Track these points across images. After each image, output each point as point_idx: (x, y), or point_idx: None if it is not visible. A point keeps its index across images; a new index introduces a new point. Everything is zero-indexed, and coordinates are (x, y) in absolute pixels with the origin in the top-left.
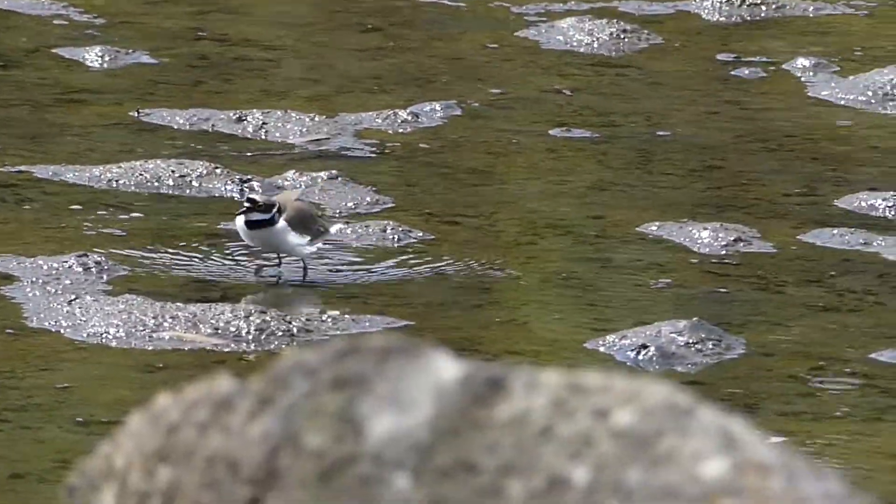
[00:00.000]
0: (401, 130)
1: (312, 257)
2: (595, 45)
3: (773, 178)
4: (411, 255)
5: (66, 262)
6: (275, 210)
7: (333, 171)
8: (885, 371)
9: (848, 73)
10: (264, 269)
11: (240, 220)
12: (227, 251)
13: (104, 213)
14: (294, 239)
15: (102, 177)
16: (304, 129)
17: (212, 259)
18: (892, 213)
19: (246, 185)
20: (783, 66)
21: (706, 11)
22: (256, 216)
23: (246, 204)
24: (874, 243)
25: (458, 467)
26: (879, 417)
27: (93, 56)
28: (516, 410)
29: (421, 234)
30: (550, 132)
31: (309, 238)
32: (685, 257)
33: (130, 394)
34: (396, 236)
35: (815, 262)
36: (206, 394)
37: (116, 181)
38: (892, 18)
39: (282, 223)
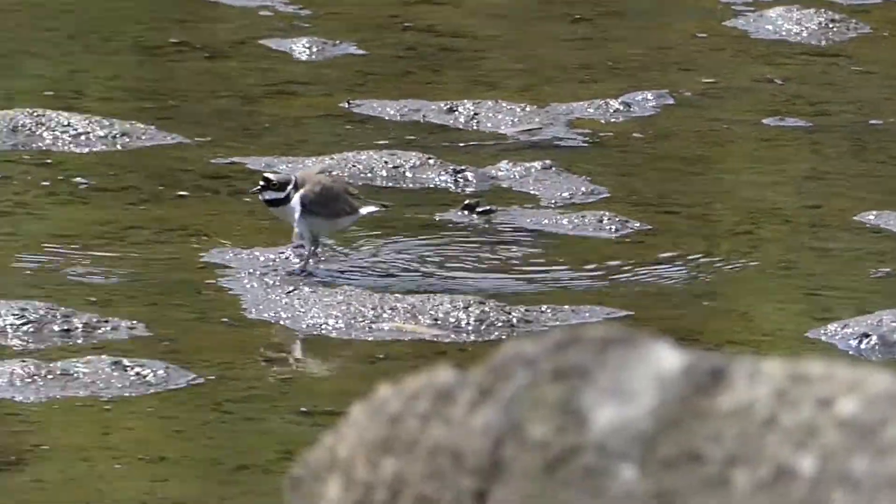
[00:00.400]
0: (613, 120)
1: (328, 241)
2: (804, 34)
3: None
4: (629, 245)
5: (283, 253)
6: (290, 188)
7: (547, 161)
8: None
9: None
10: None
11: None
12: (446, 243)
13: None
14: (307, 217)
15: (314, 168)
16: (516, 120)
17: (428, 249)
18: None
19: (460, 175)
20: None
21: None
22: (270, 195)
23: (260, 183)
24: None
25: (682, 458)
26: None
27: (300, 47)
28: (739, 400)
29: (638, 225)
30: (764, 121)
31: (330, 217)
32: None
33: (352, 385)
34: (613, 226)
35: None
36: (427, 385)
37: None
38: None
39: (295, 200)
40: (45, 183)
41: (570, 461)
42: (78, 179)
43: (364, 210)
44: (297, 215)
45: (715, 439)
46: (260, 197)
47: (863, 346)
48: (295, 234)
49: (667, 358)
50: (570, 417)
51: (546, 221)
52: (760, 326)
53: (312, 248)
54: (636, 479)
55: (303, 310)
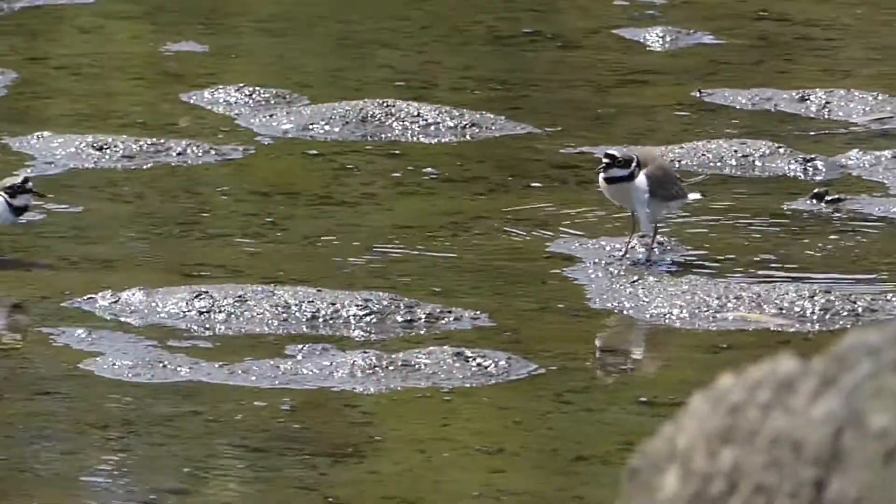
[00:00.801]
0: None
1: (664, 225)
2: None
3: None
4: None
5: (630, 242)
6: (634, 165)
7: None
8: None
9: None
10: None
11: (601, 178)
12: (794, 231)
13: None
14: (648, 197)
15: (664, 157)
16: (867, 108)
17: (773, 238)
18: None
19: (809, 164)
20: None
21: None
22: (615, 172)
23: (604, 160)
24: None
25: None
26: None
27: (654, 37)
28: None
29: None
30: None
31: (665, 199)
32: None
33: (694, 374)
34: None
35: None
36: (769, 374)
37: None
38: None
39: (641, 178)
40: (393, 174)
41: None
42: (427, 170)
43: (692, 196)
44: (643, 195)
45: None
46: (602, 175)
47: None
48: (639, 224)
49: None
50: None
51: (894, 210)
52: None
53: (652, 234)
54: None
55: (647, 299)
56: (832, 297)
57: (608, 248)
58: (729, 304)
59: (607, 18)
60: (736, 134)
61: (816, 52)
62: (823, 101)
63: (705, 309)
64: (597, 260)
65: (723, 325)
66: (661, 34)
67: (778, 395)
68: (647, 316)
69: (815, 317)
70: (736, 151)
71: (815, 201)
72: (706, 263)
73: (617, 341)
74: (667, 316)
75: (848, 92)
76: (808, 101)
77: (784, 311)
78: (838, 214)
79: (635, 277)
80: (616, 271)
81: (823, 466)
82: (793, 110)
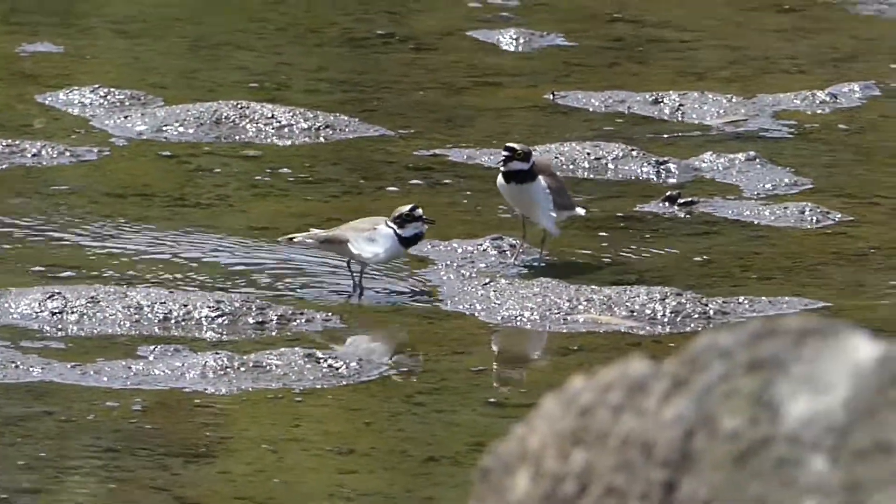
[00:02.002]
0: (819, 111)
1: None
2: None
3: None
4: (829, 236)
5: (481, 245)
6: (532, 162)
7: (751, 153)
8: None
9: None
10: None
11: (500, 174)
12: (645, 234)
13: None
14: (547, 202)
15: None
16: (721, 111)
17: (624, 241)
18: None
19: (662, 166)
20: None
21: None
22: (516, 165)
23: (504, 153)
24: None
25: (874, 449)
26: None
27: (507, 39)
28: None
29: (839, 216)
30: None
31: (559, 208)
32: None
33: (545, 376)
34: (815, 217)
35: None
36: (621, 376)
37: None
38: None
39: (541, 180)
40: (247, 176)
41: (761, 453)
42: (281, 171)
43: (579, 210)
44: (546, 194)
45: None
46: (503, 168)
47: None
48: (531, 228)
49: (862, 349)
50: (763, 409)
51: (748, 213)
52: None
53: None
54: (827, 471)
55: (498, 302)
56: (683, 300)
57: (460, 251)
58: (580, 307)
59: (460, 20)
60: (589, 136)
61: (670, 55)
62: (677, 104)
63: (556, 311)
64: (449, 262)
65: (574, 327)
66: (514, 36)
67: (629, 396)
68: (499, 318)
69: (665, 319)
70: (589, 154)
71: (667, 204)
72: (558, 266)
73: (468, 343)
74: (518, 318)
75: (702, 94)
76: (662, 104)
77: (635, 314)
78: (691, 217)
79: (487, 280)
80: (468, 273)
81: (674, 468)
82: (646, 113)
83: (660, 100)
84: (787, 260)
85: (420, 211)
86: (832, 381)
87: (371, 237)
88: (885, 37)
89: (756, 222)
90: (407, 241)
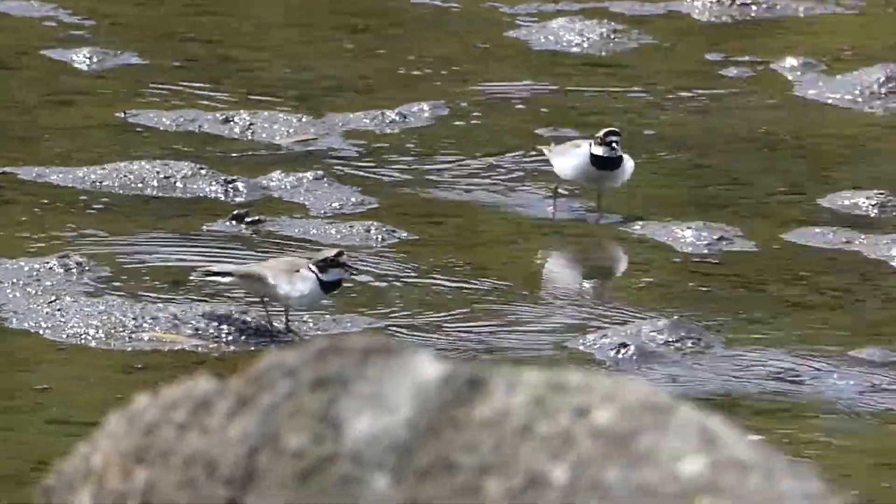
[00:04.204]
0: (388, 131)
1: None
2: (585, 44)
3: (758, 177)
4: (394, 255)
5: (48, 263)
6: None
7: (319, 172)
8: (865, 368)
9: (836, 73)
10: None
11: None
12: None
13: (88, 213)
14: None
15: (87, 178)
16: (291, 130)
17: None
18: (875, 211)
19: (231, 185)
20: (771, 66)
21: (696, 11)
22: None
23: (613, 138)
24: (856, 242)
25: (437, 467)
26: (857, 414)
27: (81, 58)
28: (496, 409)
29: (405, 235)
30: (537, 131)
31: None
32: (668, 256)
33: (109, 394)
34: (380, 236)
35: (797, 261)
36: (185, 394)
37: (101, 182)
38: (882, 17)
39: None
40: None
41: (325, 470)
42: None
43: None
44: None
45: (470, 448)
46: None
47: (620, 355)
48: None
49: (426, 368)
50: (326, 426)
51: (314, 231)
52: (523, 338)
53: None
54: (389, 488)
55: (63, 319)
56: (248, 318)
57: (27, 269)
58: (145, 325)
59: (35, 39)
60: (159, 155)
61: (242, 74)
62: (247, 123)
63: (122, 329)
64: (15, 280)
65: (139, 345)
66: (88, 55)
67: (194, 414)
68: (64, 336)
69: (230, 338)
70: (158, 172)
71: (234, 222)
72: (126, 284)
73: (33, 362)
74: (83, 336)
75: (272, 113)
76: (232, 123)
77: (200, 332)
78: (258, 236)
79: (52, 298)
80: (34, 291)
81: (238, 486)
82: (217, 132)
83: (230, 119)
84: (354, 277)
85: (345, 257)
86: (396, 400)
87: (291, 280)
88: (457, 56)
89: (322, 241)
90: (328, 287)
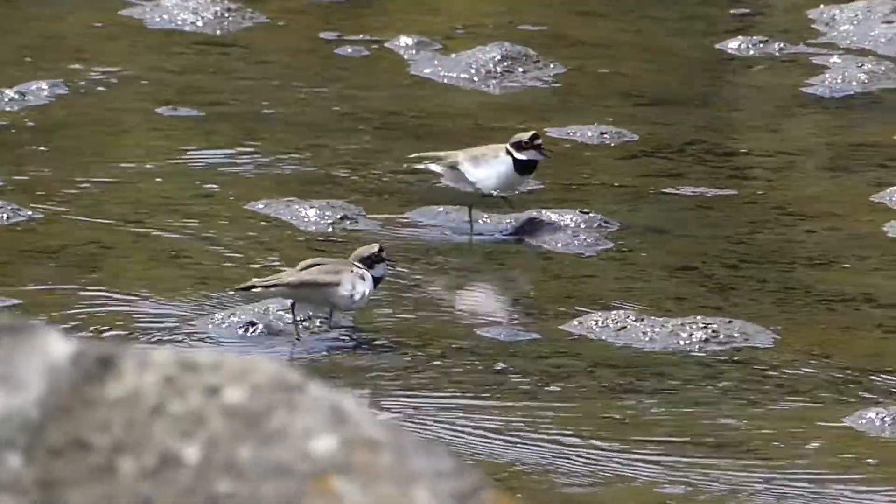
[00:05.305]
0: (7, 109)
1: None
2: (200, 23)
3: (378, 156)
4: (22, 233)
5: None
6: None
7: None
8: (495, 348)
9: (451, 51)
10: None
11: None
12: None
13: None
14: None
15: None
16: None
17: None
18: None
19: None
20: (386, 45)
21: None
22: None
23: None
24: (480, 221)
25: (70, 446)
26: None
27: None
28: (128, 388)
29: (30, 213)
30: (157, 110)
31: None
32: (292, 235)
33: None
34: (5, 215)
35: (418, 240)
36: None
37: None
38: None
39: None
40: None
41: None
42: None
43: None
44: None
45: (102, 427)
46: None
47: (249, 333)
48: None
49: (56, 346)
50: None
51: None
52: (146, 314)
53: None
54: (22, 467)
55: None
56: None
57: None
58: None
59: None
60: None
61: None
62: None
63: None
64: None
65: None
66: None
67: None
68: None
69: None
70: None
71: None
72: None
73: None
74: None
75: None
76: None
77: None
78: None
79: None
80: None
81: None
82: None
83: None
84: None
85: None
86: (26, 378)
87: (352, 280)
88: (71, 35)
89: None
90: (377, 282)
